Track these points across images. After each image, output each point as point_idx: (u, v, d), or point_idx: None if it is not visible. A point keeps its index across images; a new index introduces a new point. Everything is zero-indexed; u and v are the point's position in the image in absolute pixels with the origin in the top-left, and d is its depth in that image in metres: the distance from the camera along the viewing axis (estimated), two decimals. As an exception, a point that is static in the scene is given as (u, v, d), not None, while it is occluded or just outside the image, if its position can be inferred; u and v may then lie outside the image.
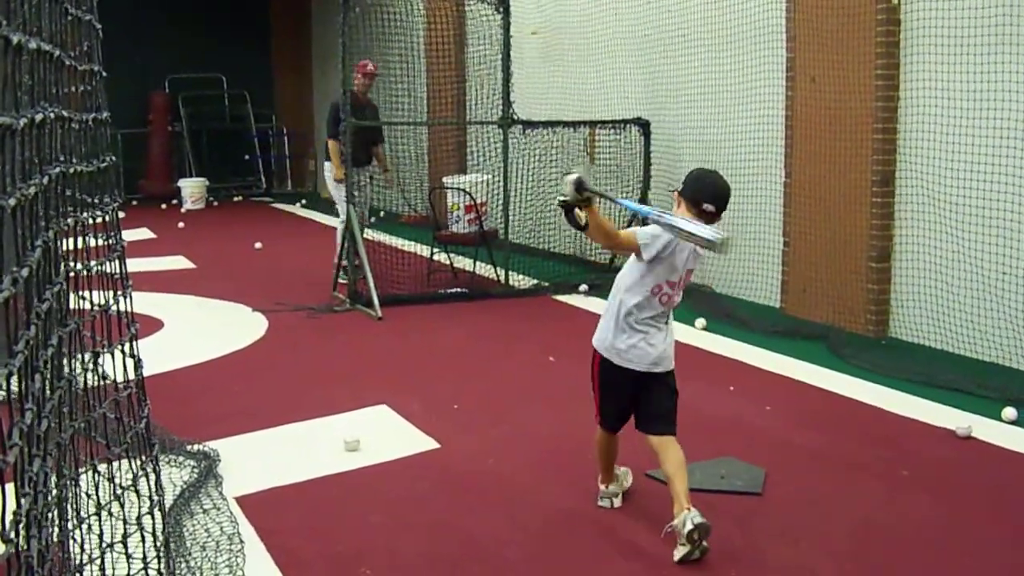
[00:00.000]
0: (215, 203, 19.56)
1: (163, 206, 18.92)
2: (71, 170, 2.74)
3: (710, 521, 4.16)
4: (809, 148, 8.63)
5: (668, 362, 4.55)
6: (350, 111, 9.69)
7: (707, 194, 4.47)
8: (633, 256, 4.49)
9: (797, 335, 8.24)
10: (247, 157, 21.34)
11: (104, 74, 3.16)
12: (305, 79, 22.21)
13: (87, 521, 2.87)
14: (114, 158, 3.22)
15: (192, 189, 18.95)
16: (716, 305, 9.28)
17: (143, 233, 15.05)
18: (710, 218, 4.43)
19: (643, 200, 10.49)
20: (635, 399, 4.59)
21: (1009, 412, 6.03)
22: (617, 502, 4.80)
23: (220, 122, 21.21)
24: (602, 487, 4.83)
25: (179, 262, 12.47)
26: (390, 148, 11.26)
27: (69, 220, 2.79)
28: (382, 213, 14.20)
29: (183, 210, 18.54)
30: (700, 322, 8.56)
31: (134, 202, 18.88)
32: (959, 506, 4.83)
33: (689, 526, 4.11)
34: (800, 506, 4.81)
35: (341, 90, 9.62)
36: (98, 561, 2.85)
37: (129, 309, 3.19)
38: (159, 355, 7.27)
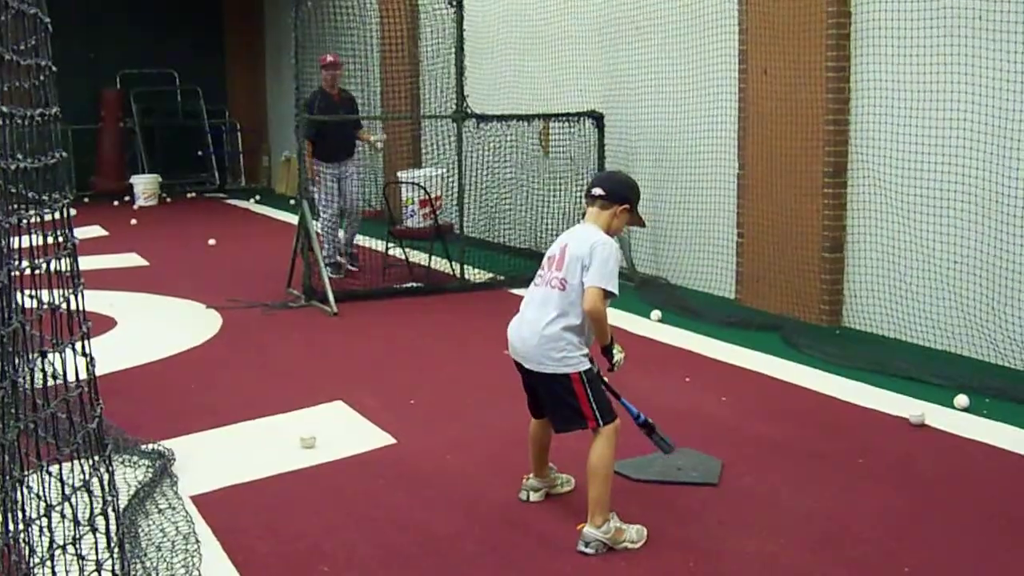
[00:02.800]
0: (168, 199, 19.38)
1: (115, 203, 18.72)
2: (15, 166, 2.69)
3: (596, 552, 4.23)
4: (762, 140, 8.68)
5: (549, 360, 4.36)
6: (323, 109, 10.25)
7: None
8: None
9: (752, 326, 8.29)
10: (200, 153, 21.16)
11: (54, 69, 3.11)
12: (258, 74, 22.07)
13: (37, 523, 2.84)
14: (64, 154, 3.17)
15: (145, 185, 18.76)
16: (671, 297, 9.32)
17: (95, 230, 14.89)
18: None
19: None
20: (534, 393, 4.61)
21: (961, 399, 6.10)
22: (535, 496, 4.79)
23: (173, 118, 21.01)
24: (524, 478, 4.84)
25: (132, 259, 12.35)
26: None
27: (13, 218, 2.75)
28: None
29: (136, 207, 18.36)
30: (655, 314, 8.58)
31: (86, 199, 18.70)
32: (914, 493, 4.88)
33: (580, 547, 4.27)
34: (757, 496, 4.84)
35: (315, 87, 9.86)
36: (49, 563, 2.81)
37: (81, 307, 3.15)
38: (112, 353, 7.21)
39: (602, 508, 4.26)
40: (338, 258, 10.85)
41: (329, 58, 10.56)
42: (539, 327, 4.35)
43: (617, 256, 4.36)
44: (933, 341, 7.46)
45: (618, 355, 4.53)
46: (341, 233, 11.00)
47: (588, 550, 4.22)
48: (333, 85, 10.63)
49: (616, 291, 4.28)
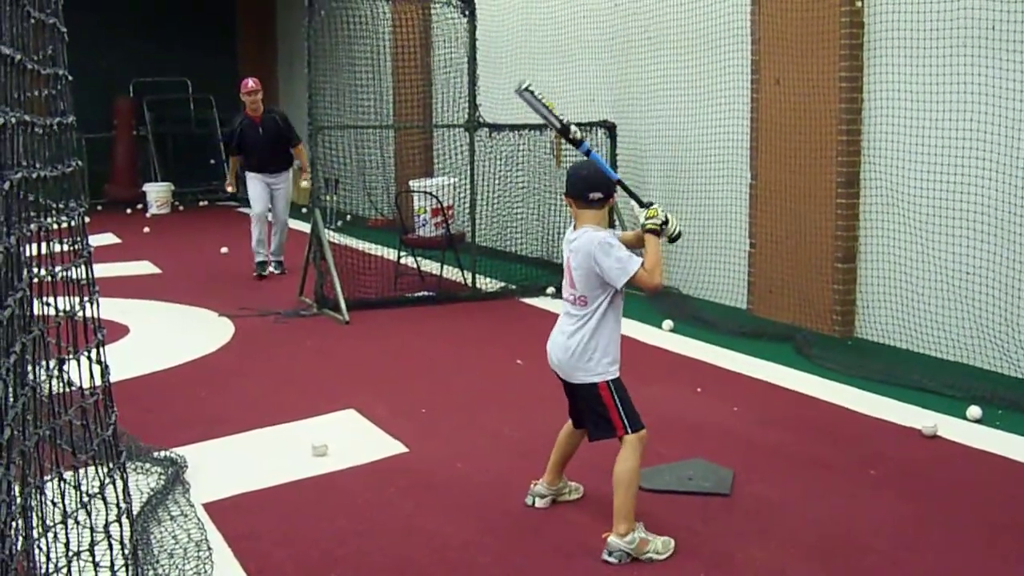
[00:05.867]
0: (181, 208, 19.42)
1: (128, 211, 18.77)
2: (34, 175, 2.71)
3: (619, 560, 4.23)
4: (774, 150, 8.68)
5: (578, 371, 4.44)
6: (245, 132, 11.26)
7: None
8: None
9: (764, 336, 8.28)
10: (212, 161, 21.17)
11: (69, 78, 3.13)
12: (271, 83, 22.03)
13: (53, 530, 2.85)
14: (79, 163, 3.19)
15: (157, 194, 18.81)
16: (683, 307, 9.31)
17: (108, 238, 14.94)
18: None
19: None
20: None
21: (974, 411, 6.09)
22: (540, 503, 4.82)
23: (185, 126, 21.05)
24: (532, 483, 4.86)
25: (144, 267, 12.39)
26: (355, 151, 11.23)
27: (32, 226, 2.77)
28: (349, 216, 14.15)
29: (148, 215, 18.41)
30: (667, 324, 8.58)
31: (99, 207, 18.73)
32: (926, 505, 4.87)
33: (604, 556, 4.26)
34: (769, 507, 4.83)
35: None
36: (64, 570, 2.82)
37: (96, 315, 3.16)
38: (125, 361, 7.23)
39: (626, 517, 4.27)
40: (263, 257, 11.61)
41: (251, 84, 11.37)
42: (565, 340, 4.46)
43: (612, 240, 4.35)
44: (946, 352, 7.44)
45: (666, 223, 4.48)
46: (275, 240, 11.84)
47: (611, 559, 4.23)
48: (255, 110, 11.36)
49: (638, 265, 4.29)
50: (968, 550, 4.38)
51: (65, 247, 3.10)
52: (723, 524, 4.64)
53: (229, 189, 12.24)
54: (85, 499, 2.96)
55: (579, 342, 4.40)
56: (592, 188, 4.42)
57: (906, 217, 7.69)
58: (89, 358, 3.11)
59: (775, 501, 4.90)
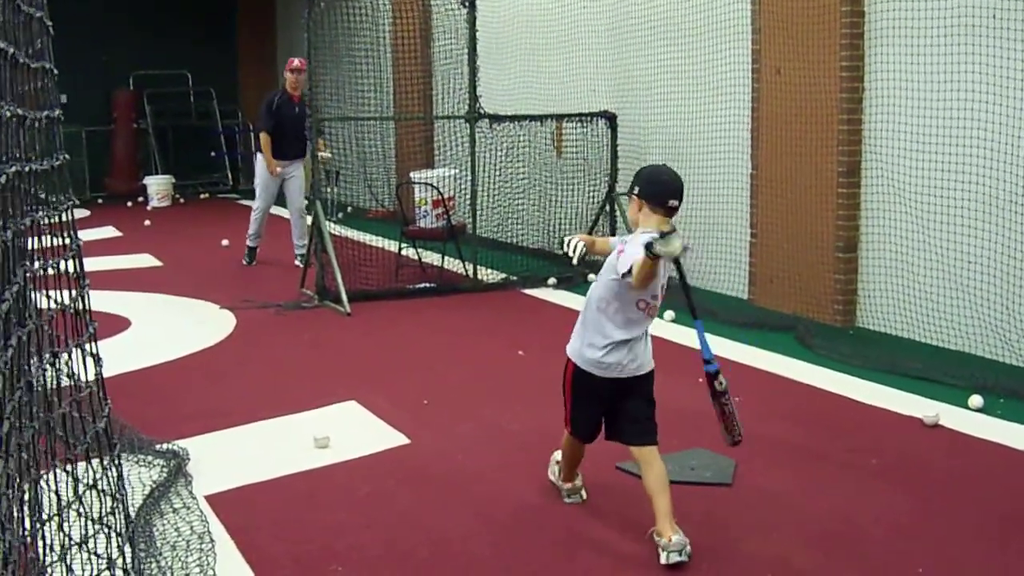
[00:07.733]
0: (181, 200, 19.39)
1: (129, 204, 18.73)
2: (28, 169, 2.70)
3: (689, 557, 4.09)
4: (775, 140, 8.66)
5: (646, 366, 4.52)
6: (282, 108, 10.78)
7: (670, 191, 4.34)
8: (608, 273, 4.39)
9: (765, 326, 8.26)
10: (213, 154, 21.15)
11: (56, 72, 3.11)
12: (271, 75, 22.04)
13: (50, 521, 2.84)
14: (67, 156, 3.18)
15: (158, 186, 18.76)
16: (684, 297, 9.28)
17: (109, 231, 14.89)
18: (672, 213, 4.34)
19: (609, 191, 10.51)
20: (611, 408, 4.53)
21: (975, 400, 6.08)
22: (585, 494, 4.81)
23: (186, 119, 21.01)
24: (566, 485, 4.82)
25: (146, 260, 12.37)
26: (356, 142, 11.23)
27: (27, 220, 2.76)
28: (350, 208, 14.15)
29: (149, 208, 18.37)
30: (668, 314, 8.55)
31: (99, 200, 18.71)
32: (928, 494, 4.86)
33: (664, 560, 4.09)
34: (770, 496, 4.83)
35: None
36: (63, 561, 2.82)
37: (87, 308, 3.15)
38: (127, 354, 7.23)
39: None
40: (256, 243, 11.50)
41: (296, 63, 10.98)
42: (644, 349, 4.54)
43: (617, 251, 4.34)
44: (947, 341, 7.43)
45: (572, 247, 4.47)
46: (295, 230, 11.49)
47: (683, 557, 4.09)
48: (296, 88, 10.99)
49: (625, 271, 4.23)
50: (969, 539, 4.37)
51: (56, 241, 3.09)
52: (725, 514, 4.63)
53: (279, 170, 11.14)
54: (81, 490, 2.96)
55: (648, 340, 4.59)
56: (646, 185, 4.39)
57: (907, 206, 7.67)
58: (82, 350, 3.11)
59: (777, 491, 4.90)
